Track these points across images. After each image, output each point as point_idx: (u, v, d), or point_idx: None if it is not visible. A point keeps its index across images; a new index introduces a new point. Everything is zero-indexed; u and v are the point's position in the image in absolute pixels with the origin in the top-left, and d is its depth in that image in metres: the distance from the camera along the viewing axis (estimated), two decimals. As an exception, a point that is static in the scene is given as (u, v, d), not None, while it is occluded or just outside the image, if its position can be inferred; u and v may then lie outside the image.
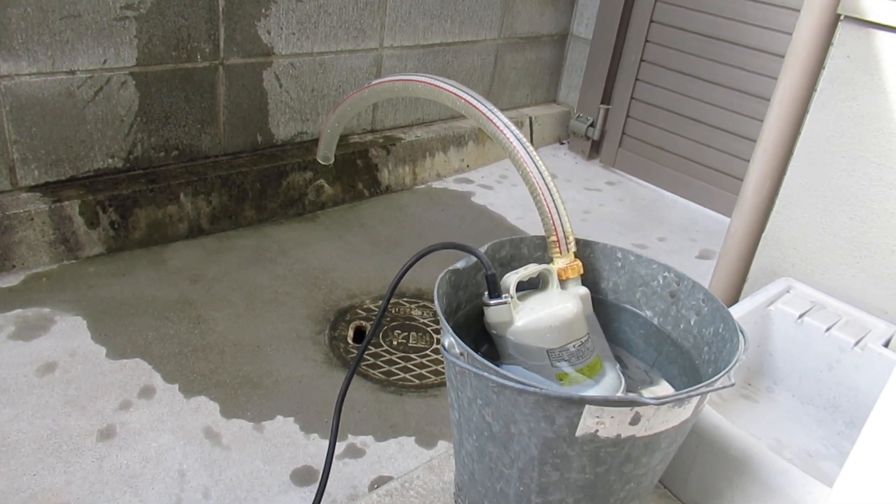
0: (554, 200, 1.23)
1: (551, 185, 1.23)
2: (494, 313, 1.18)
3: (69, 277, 2.10)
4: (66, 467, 1.52)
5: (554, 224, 1.23)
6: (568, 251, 1.25)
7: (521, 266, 1.24)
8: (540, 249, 1.33)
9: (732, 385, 0.99)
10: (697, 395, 0.96)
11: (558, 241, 1.24)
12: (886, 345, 1.59)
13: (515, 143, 1.21)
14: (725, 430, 1.31)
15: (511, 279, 1.19)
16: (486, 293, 1.18)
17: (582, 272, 1.26)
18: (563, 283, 1.25)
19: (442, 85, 1.27)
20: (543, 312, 1.18)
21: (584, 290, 1.26)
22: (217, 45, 2.38)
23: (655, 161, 3.33)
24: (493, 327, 1.20)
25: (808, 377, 1.70)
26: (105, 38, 2.14)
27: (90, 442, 1.59)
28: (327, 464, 1.28)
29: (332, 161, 1.61)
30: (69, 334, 1.89)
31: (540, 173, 1.22)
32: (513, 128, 1.23)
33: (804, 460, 1.55)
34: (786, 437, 1.62)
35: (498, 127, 1.22)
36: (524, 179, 1.24)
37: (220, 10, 2.34)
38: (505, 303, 1.17)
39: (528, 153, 1.22)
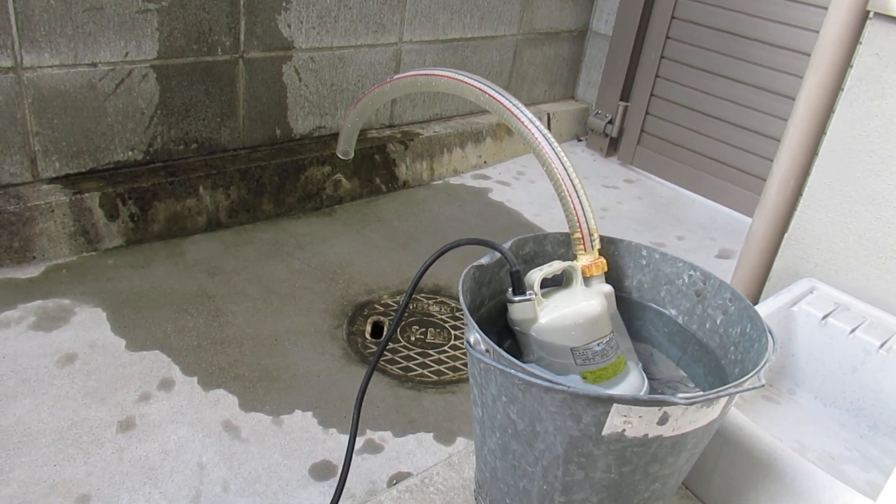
0: (579, 197, 1.21)
1: (576, 181, 1.21)
2: (518, 310, 1.17)
3: (89, 269, 2.11)
4: (87, 458, 1.52)
5: (579, 220, 1.22)
6: (592, 248, 1.24)
7: (544, 263, 1.23)
8: (564, 246, 1.32)
9: (762, 386, 0.98)
10: (727, 395, 0.95)
11: (583, 237, 1.23)
12: (912, 347, 1.57)
13: (540, 138, 1.20)
14: (750, 431, 1.30)
15: (535, 276, 1.18)
16: (511, 290, 1.17)
17: (606, 270, 1.25)
18: (587, 280, 1.24)
19: (465, 79, 1.26)
20: (568, 310, 1.17)
21: (608, 288, 1.25)
22: (237, 38, 2.38)
23: (674, 159, 3.30)
24: (516, 324, 1.19)
25: (831, 379, 1.68)
26: (127, 31, 2.14)
27: (110, 433, 1.59)
28: (347, 458, 1.28)
29: (351, 156, 1.61)
30: (89, 326, 1.89)
31: (565, 169, 1.20)
32: (537, 122, 1.22)
33: (827, 463, 1.54)
34: (808, 440, 1.60)
35: (522, 122, 1.21)
36: (548, 175, 1.23)
37: (242, 3, 2.34)
38: (529, 299, 1.15)
39: (552, 148, 1.21)
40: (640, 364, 1.30)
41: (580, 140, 3.69)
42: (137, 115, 2.27)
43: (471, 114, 3.30)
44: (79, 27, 2.06)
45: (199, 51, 2.31)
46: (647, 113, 3.36)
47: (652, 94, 3.32)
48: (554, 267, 1.21)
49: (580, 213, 1.22)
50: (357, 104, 1.48)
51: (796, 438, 1.61)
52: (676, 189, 3.30)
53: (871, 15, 1.60)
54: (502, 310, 1.23)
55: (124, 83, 2.20)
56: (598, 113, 3.54)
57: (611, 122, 3.48)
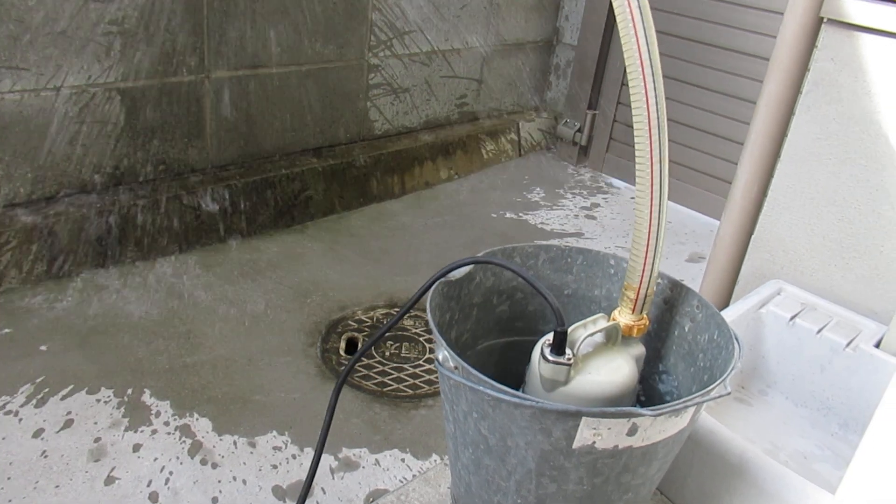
0: (655, 254, 1.06)
1: (662, 237, 1.06)
2: (551, 370, 1.05)
3: (58, 294, 2.08)
4: (57, 490, 1.50)
5: (642, 279, 1.08)
6: (641, 312, 1.11)
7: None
8: (533, 258, 1.33)
9: (729, 394, 0.98)
10: (693, 405, 0.95)
11: (637, 298, 1.10)
12: (877, 345, 1.60)
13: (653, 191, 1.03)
14: (721, 435, 1.31)
15: (579, 335, 1.06)
16: (548, 343, 1.06)
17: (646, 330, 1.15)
18: (624, 338, 1.14)
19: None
20: (600, 377, 1.07)
21: (641, 350, 1.16)
22: (202, 58, 2.37)
23: (643, 165, 3.33)
24: (542, 381, 1.08)
25: (800, 379, 1.70)
26: (90, 55, 2.13)
27: (81, 462, 1.57)
28: (310, 476, 1.27)
29: None
30: (58, 352, 1.87)
31: (659, 218, 1.04)
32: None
33: (799, 462, 1.55)
34: (780, 440, 1.62)
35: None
36: (637, 220, 1.05)
37: (205, 23, 2.33)
38: (568, 364, 1.04)
39: (659, 200, 1.04)
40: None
41: (550, 149, 3.72)
42: (103, 138, 2.25)
43: (440, 127, 3.31)
44: (40, 51, 2.03)
45: (164, 72, 2.30)
46: (614, 120, 3.40)
47: (619, 102, 3.36)
48: (598, 326, 1.10)
49: (647, 270, 1.08)
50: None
51: (769, 439, 1.62)
52: (646, 195, 3.33)
53: (825, 21, 1.63)
54: (479, 317, 1.23)
55: (88, 106, 2.18)
56: (566, 122, 3.57)
57: (580, 130, 3.51)
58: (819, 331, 1.64)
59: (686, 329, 1.24)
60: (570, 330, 1.06)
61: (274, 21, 2.51)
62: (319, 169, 2.74)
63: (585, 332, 1.07)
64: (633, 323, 1.12)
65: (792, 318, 1.68)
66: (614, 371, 1.09)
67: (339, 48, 2.75)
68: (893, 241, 1.63)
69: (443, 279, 1.15)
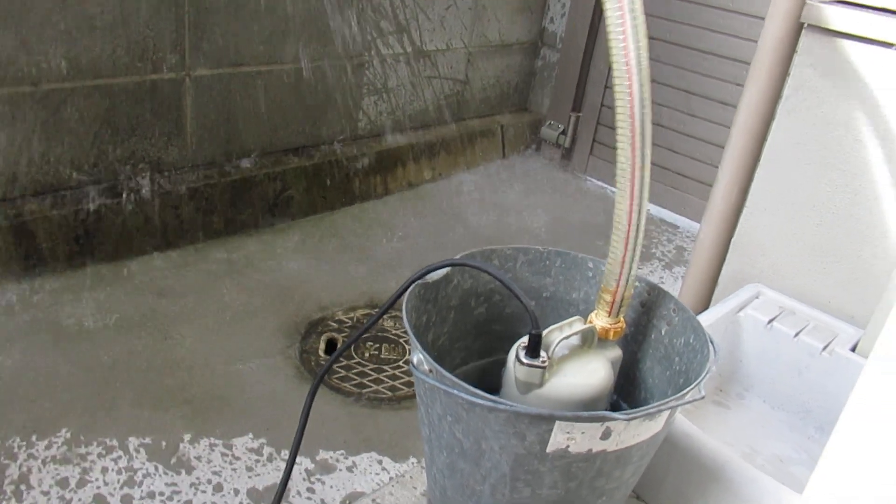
0: (634, 257, 1.06)
1: (640, 240, 1.06)
2: (525, 373, 1.05)
3: (34, 292, 2.05)
4: (21, 498, 1.47)
5: (619, 281, 1.08)
6: (618, 315, 1.11)
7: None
8: (511, 260, 1.32)
9: (703, 398, 0.98)
10: (667, 409, 0.95)
11: (613, 301, 1.10)
12: (853, 349, 1.61)
13: (634, 189, 1.02)
14: (697, 439, 1.31)
15: (554, 338, 1.06)
16: (523, 346, 1.06)
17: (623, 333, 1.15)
18: (600, 341, 1.15)
19: None
20: (575, 380, 1.07)
21: (618, 354, 1.16)
22: (183, 55, 2.35)
23: (626, 168, 3.34)
24: (517, 383, 1.08)
25: (778, 383, 1.71)
26: (69, 49, 2.10)
27: (52, 466, 1.54)
28: (284, 479, 1.26)
29: None
30: (34, 351, 1.84)
31: (637, 225, 1.04)
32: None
33: (776, 466, 1.56)
34: (758, 444, 1.63)
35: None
36: (616, 223, 1.05)
37: (187, 20, 2.31)
38: (542, 367, 1.04)
39: (639, 203, 1.03)
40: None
41: (534, 150, 3.72)
42: (81, 135, 2.22)
43: (423, 127, 3.30)
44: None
45: (143, 69, 2.27)
46: (598, 123, 3.40)
47: (602, 104, 3.37)
48: (574, 329, 1.10)
49: (625, 274, 1.07)
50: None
51: (747, 443, 1.63)
52: (629, 197, 3.34)
53: (805, 26, 1.64)
54: (456, 320, 1.23)
55: (67, 102, 2.15)
56: (550, 123, 3.57)
57: (563, 132, 3.51)
58: (796, 334, 1.65)
59: (662, 332, 1.24)
60: (545, 333, 1.05)
61: (257, 19, 2.49)
62: (301, 168, 2.72)
63: (561, 334, 1.07)
64: (609, 326, 1.12)
65: (770, 321, 1.69)
66: (590, 374, 1.09)
67: (322, 47, 2.73)
68: (871, 246, 1.64)
69: (419, 281, 1.15)
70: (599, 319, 1.12)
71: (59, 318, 1.97)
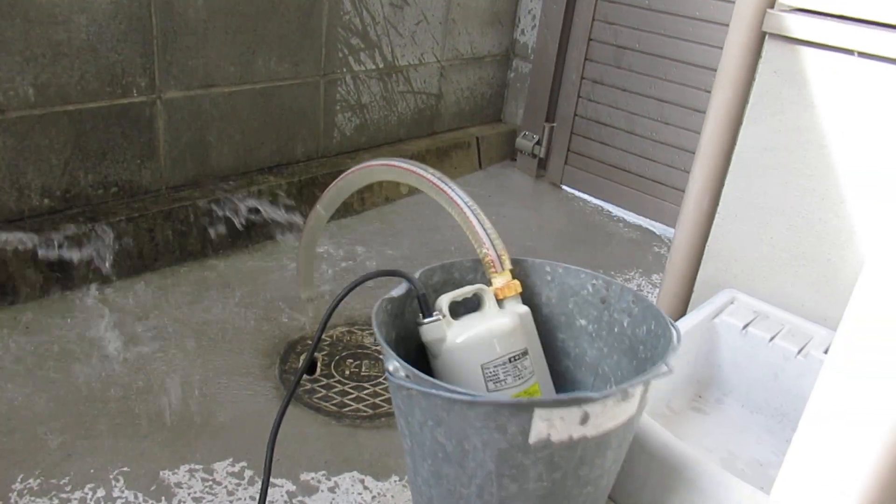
0: (481, 221, 1.26)
1: (475, 207, 1.27)
2: (428, 331, 1.20)
3: (4, 324, 2.03)
4: (5, 525, 1.45)
5: (485, 244, 1.25)
6: (503, 269, 1.26)
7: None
8: (471, 272, 1.35)
9: (671, 372, 1.02)
10: (640, 383, 0.99)
11: (493, 260, 1.25)
12: (827, 352, 1.62)
13: (434, 179, 1.30)
14: (674, 447, 1.32)
15: (444, 299, 1.22)
16: (420, 315, 1.22)
17: (520, 291, 1.27)
18: (500, 302, 1.26)
19: (401, 165, 1.38)
20: (480, 327, 1.21)
21: (524, 309, 1.27)
22: (153, 78, 2.34)
23: (601, 176, 3.37)
24: (428, 346, 1.22)
25: (755, 387, 1.72)
26: (37, 76, 2.08)
27: (27, 500, 1.52)
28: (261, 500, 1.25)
29: (314, 298, 1.72)
30: (4, 383, 1.82)
31: (461, 198, 1.27)
32: (428, 171, 1.33)
33: (755, 470, 1.57)
34: (738, 448, 1.64)
35: (412, 171, 1.34)
36: (450, 209, 1.28)
37: (155, 43, 2.30)
38: (437, 320, 1.19)
39: (447, 185, 1.30)
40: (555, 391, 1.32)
41: (511, 161, 3.74)
42: (52, 162, 2.20)
43: (399, 141, 3.31)
44: (-17, 74, 1.99)
45: (113, 93, 2.26)
46: (572, 132, 3.43)
47: (576, 114, 3.39)
48: (464, 290, 1.24)
49: (484, 236, 1.26)
50: (301, 242, 1.66)
51: (726, 447, 1.64)
52: (605, 205, 3.37)
53: (767, 35, 1.67)
54: (421, 344, 1.23)
55: (35, 129, 2.14)
56: (525, 134, 3.59)
57: (538, 143, 3.53)
58: (771, 339, 1.67)
59: (625, 324, 1.27)
60: (439, 298, 1.22)
61: (227, 40, 2.49)
62: (277, 186, 2.71)
63: (450, 295, 1.22)
64: (502, 284, 1.25)
65: (745, 326, 1.71)
66: (491, 321, 1.22)
67: (294, 66, 2.73)
68: (840, 248, 1.67)
69: (385, 297, 1.21)
70: (494, 283, 1.26)
71: (33, 346, 1.95)
